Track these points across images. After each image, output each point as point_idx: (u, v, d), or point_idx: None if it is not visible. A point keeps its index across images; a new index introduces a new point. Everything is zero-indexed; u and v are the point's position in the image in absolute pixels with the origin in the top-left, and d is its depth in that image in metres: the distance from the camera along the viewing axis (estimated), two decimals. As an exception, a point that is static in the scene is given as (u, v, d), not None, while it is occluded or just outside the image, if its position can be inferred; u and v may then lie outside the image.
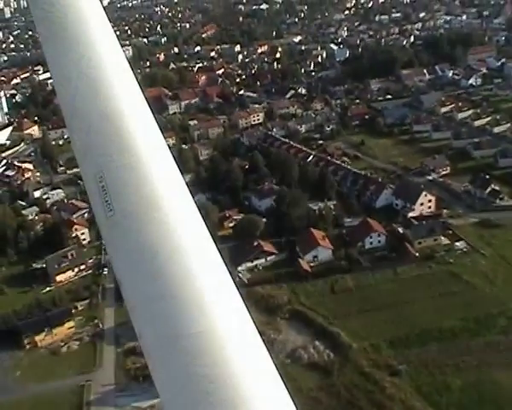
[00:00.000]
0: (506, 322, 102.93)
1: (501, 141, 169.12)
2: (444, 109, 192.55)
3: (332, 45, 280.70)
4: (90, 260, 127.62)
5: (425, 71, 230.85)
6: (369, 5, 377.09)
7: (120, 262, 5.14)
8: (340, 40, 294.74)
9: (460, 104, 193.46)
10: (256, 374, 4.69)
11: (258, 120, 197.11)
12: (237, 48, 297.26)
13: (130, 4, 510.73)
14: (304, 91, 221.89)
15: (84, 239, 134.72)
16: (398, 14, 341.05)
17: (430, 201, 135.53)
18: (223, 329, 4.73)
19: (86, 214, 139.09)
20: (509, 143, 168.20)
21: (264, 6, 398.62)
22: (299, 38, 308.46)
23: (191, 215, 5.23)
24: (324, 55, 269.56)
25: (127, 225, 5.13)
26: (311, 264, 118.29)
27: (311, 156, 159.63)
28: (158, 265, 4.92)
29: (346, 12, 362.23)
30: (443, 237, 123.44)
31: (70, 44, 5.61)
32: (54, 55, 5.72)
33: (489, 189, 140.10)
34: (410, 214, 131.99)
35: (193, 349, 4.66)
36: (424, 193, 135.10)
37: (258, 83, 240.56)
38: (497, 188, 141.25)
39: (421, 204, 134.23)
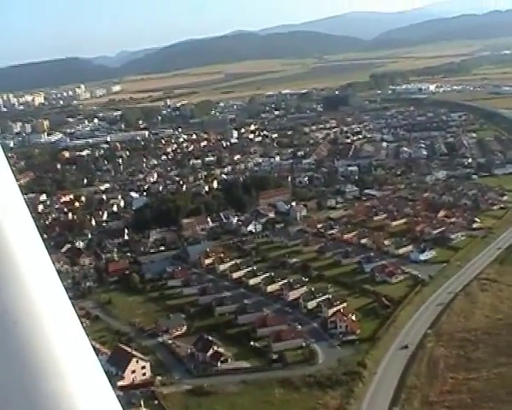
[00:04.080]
0: None
1: (254, 294, 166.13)
2: (207, 261, 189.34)
3: (132, 193, 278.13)
4: None
5: (209, 219, 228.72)
6: (189, 149, 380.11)
7: None
8: (145, 187, 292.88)
9: (223, 255, 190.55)
10: None
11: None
12: (43, 197, 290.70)
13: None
14: (82, 245, 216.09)
15: None
16: (213, 158, 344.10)
17: (144, 367, 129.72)
18: None
19: None
20: (260, 295, 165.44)
21: (85, 152, 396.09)
22: (106, 185, 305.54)
23: None
24: (122, 203, 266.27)
25: None
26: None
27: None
28: None
29: (164, 157, 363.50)
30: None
31: None
32: None
33: (211, 351, 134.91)
34: (120, 383, 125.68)
35: None
36: (135, 359, 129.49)
37: (45, 236, 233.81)
38: (220, 350, 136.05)
39: (133, 371, 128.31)
